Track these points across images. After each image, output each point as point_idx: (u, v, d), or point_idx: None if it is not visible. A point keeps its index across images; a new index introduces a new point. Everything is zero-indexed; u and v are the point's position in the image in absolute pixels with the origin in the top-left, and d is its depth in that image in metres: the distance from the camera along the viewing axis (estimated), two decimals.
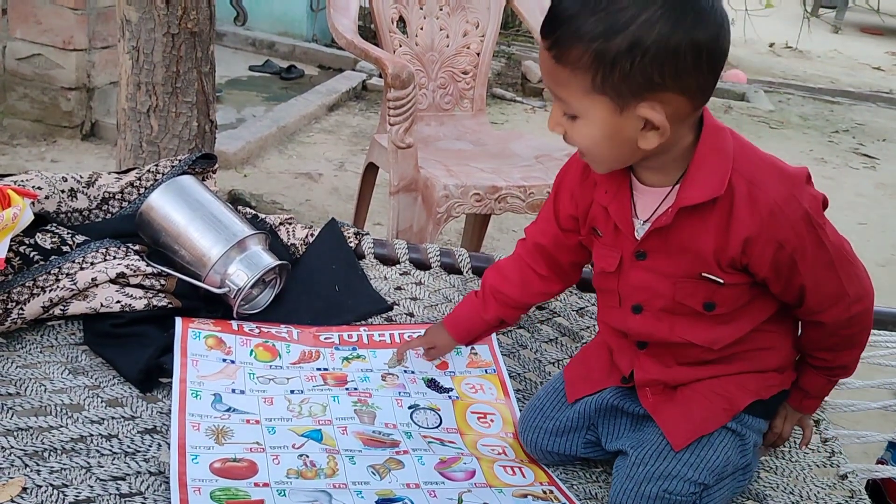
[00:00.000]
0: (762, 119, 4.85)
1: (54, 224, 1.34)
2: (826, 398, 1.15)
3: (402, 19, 2.29)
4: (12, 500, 0.92)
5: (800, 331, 1.06)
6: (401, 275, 1.52)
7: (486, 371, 1.30)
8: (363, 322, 1.38)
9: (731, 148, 0.92)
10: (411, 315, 1.43)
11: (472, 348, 1.32)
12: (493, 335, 1.35)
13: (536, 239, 1.15)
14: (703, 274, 0.96)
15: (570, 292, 1.46)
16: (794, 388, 1.08)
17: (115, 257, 1.30)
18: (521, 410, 1.22)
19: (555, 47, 0.87)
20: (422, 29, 2.30)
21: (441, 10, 2.31)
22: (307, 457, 1.06)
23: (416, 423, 1.17)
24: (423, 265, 1.54)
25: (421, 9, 2.30)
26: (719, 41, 0.85)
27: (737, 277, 0.96)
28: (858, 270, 0.97)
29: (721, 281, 0.95)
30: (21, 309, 1.20)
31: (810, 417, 1.13)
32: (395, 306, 1.44)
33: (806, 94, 5.42)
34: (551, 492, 1.08)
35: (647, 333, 1.03)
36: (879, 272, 2.98)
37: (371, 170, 2.34)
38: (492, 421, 1.21)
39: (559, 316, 1.44)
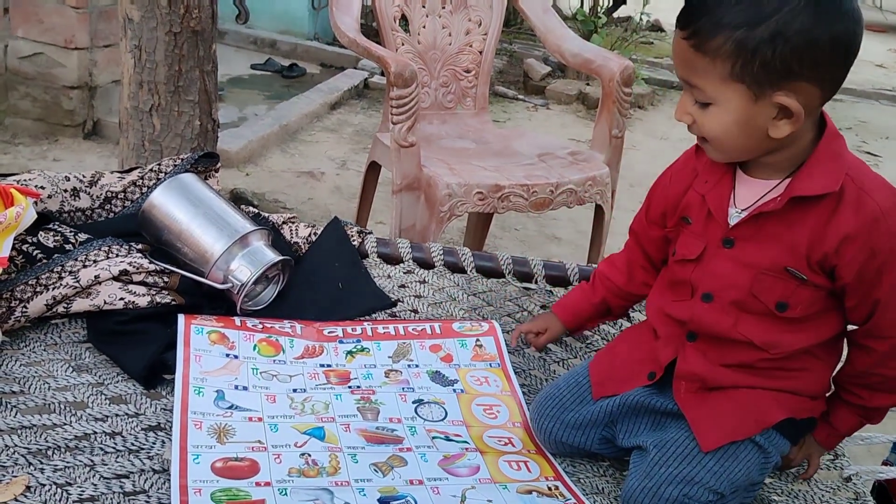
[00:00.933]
0: None
1: (57, 223, 1.34)
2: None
3: (404, 17, 2.29)
4: (16, 499, 0.92)
5: (841, 363, 1.07)
6: (404, 273, 1.52)
7: (490, 365, 1.30)
8: (367, 317, 1.38)
9: (848, 154, 0.97)
10: (415, 312, 1.42)
11: (478, 340, 1.32)
12: (498, 327, 1.35)
13: (635, 237, 1.20)
14: (788, 268, 0.97)
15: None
16: (822, 421, 1.08)
17: (117, 255, 1.29)
18: (527, 403, 1.22)
19: (695, 36, 0.91)
20: (424, 27, 2.30)
21: (443, 8, 2.31)
22: (309, 455, 1.06)
23: (420, 417, 1.17)
24: (426, 264, 1.54)
25: (423, 7, 2.30)
26: (855, 37, 0.90)
27: (819, 279, 0.97)
28: None
29: (804, 277, 0.96)
30: (24, 307, 1.20)
31: (822, 453, 1.13)
32: (399, 303, 1.44)
33: None
34: (556, 487, 1.08)
35: (709, 324, 1.03)
36: None
37: (373, 168, 2.34)
38: (498, 412, 1.21)
39: None
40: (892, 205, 0.93)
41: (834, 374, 1.07)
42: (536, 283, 1.53)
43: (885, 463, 1.43)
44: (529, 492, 1.06)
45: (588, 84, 4.65)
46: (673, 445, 1.02)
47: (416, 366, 1.28)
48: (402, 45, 2.27)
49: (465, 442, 1.14)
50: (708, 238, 1.03)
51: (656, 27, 5.97)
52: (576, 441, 1.12)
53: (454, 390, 1.24)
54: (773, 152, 0.96)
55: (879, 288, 0.96)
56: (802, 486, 1.14)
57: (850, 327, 1.04)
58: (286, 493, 0.98)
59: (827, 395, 1.09)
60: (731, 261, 1.01)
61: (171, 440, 1.05)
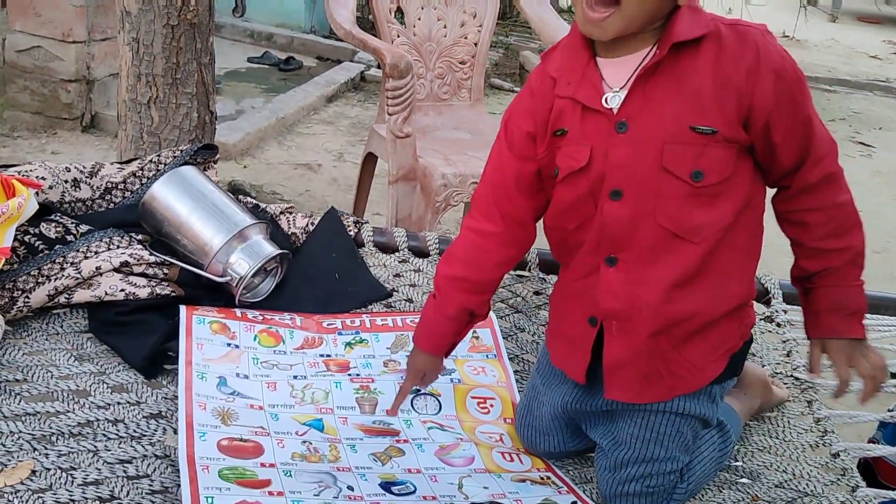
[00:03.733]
0: None
1: (58, 214, 1.36)
2: (824, 377, 1.10)
3: (399, 10, 2.30)
4: (22, 482, 0.94)
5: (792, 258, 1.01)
6: (399, 262, 1.54)
7: (487, 356, 1.32)
8: (364, 309, 1.40)
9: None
10: (410, 301, 1.45)
11: (474, 332, 1.34)
12: (494, 318, 1.37)
13: (490, 182, 1.07)
14: (694, 126, 0.91)
15: None
16: (823, 314, 1.00)
17: (118, 246, 1.31)
18: (519, 393, 1.24)
19: None
20: (419, 19, 2.31)
21: (439, 0, 2.32)
22: (310, 443, 1.08)
23: (416, 410, 1.19)
24: (421, 253, 1.56)
25: None
26: None
27: (733, 129, 0.92)
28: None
29: (715, 129, 0.91)
30: (27, 297, 1.22)
31: (866, 346, 1.01)
32: (395, 293, 1.46)
33: None
34: (548, 477, 1.10)
35: (624, 222, 0.95)
36: (875, 258, 3.00)
37: (370, 159, 2.35)
38: (491, 406, 1.23)
39: None
40: (763, 29, 0.94)
41: (794, 271, 1.02)
42: (530, 270, 1.56)
43: (871, 441, 1.46)
44: (523, 480, 1.09)
45: None
46: (624, 446, 1.03)
47: None
48: (398, 36, 2.28)
49: (459, 434, 1.16)
50: (591, 137, 0.96)
51: None
52: (550, 447, 1.13)
53: (451, 380, 1.26)
54: (645, 28, 0.93)
55: (801, 104, 0.93)
56: (791, 461, 1.17)
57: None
58: (291, 475, 1.00)
59: (805, 292, 1.01)
60: (630, 144, 0.94)
61: (172, 428, 1.07)
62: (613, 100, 0.95)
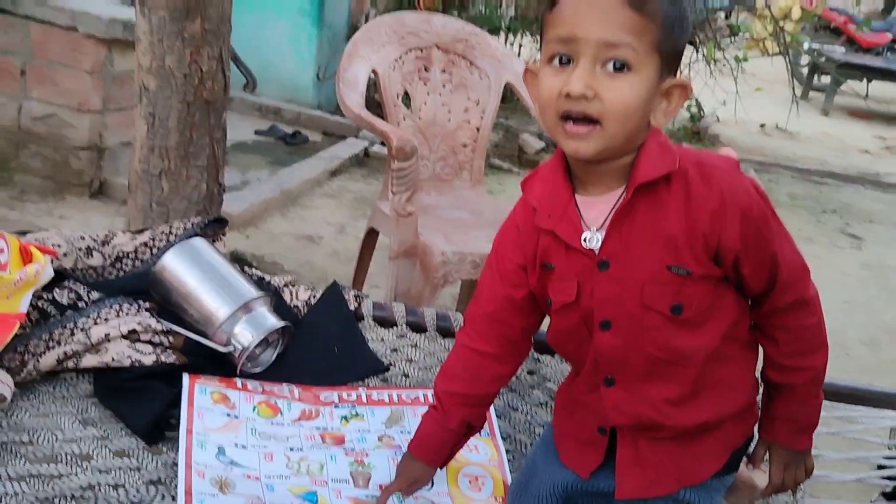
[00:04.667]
0: None
1: (71, 280, 1.40)
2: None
3: (406, 94, 2.41)
4: None
5: (761, 359, 1.06)
6: (397, 337, 1.58)
7: (479, 434, 1.34)
8: (361, 383, 1.43)
9: (671, 142, 0.98)
10: (406, 376, 1.48)
11: None
12: None
13: (484, 309, 1.11)
14: (671, 266, 0.95)
15: (561, 360, 1.52)
16: (777, 422, 1.06)
17: (127, 314, 1.36)
18: (511, 474, 1.26)
19: None
20: (425, 104, 2.42)
21: (444, 87, 2.44)
22: None
23: None
24: (419, 328, 1.60)
25: (425, 85, 2.42)
26: None
27: (704, 267, 0.95)
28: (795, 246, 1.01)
29: (689, 271, 0.94)
30: (37, 361, 1.26)
31: (807, 456, 1.08)
32: (392, 367, 1.50)
33: (795, 174, 5.58)
34: None
35: (617, 351, 0.99)
36: (863, 350, 3.05)
37: (371, 234, 2.42)
38: (482, 484, 1.25)
39: (549, 381, 1.50)
40: (729, 166, 0.96)
41: (762, 372, 1.06)
42: None
43: None
44: None
45: None
46: None
47: (409, 433, 1.31)
48: (404, 119, 2.38)
49: None
50: (577, 273, 0.99)
51: None
52: None
53: None
54: (623, 155, 0.95)
55: (768, 241, 0.96)
56: None
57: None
58: None
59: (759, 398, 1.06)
60: (613, 281, 0.97)
61: (171, 495, 1.09)
62: (592, 240, 0.98)
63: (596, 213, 0.98)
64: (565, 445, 1.13)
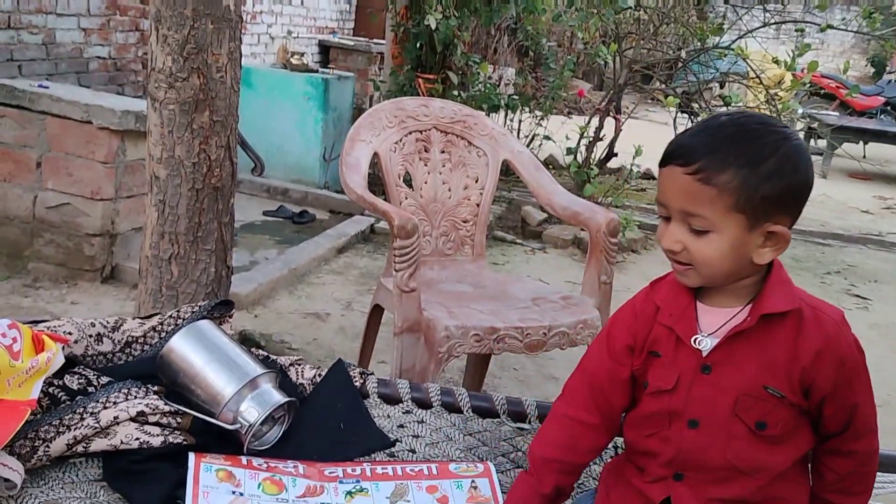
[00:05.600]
0: None
1: (81, 366, 1.44)
2: None
3: (408, 173, 2.49)
4: None
5: (812, 479, 1.14)
6: (403, 413, 1.60)
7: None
8: (366, 458, 1.45)
9: (791, 280, 1.10)
10: (413, 451, 1.49)
11: (473, 482, 1.38)
12: (494, 471, 1.42)
13: (589, 381, 1.20)
14: (767, 387, 1.05)
15: None
16: None
17: (135, 397, 1.39)
18: None
19: (703, 171, 1.03)
20: (426, 182, 2.49)
21: (443, 166, 2.52)
22: None
23: None
24: (424, 404, 1.62)
25: (425, 165, 2.50)
26: (813, 175, 1.08)
27: (796, 397, 1.06)
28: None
29: (783, 395, 1.05)
30: (47, 446, 1.28)
31: None
32: (398, 443, 1.51)
33: (797, 236, 5.61)
34: None
35: (698, 451, 1.09)
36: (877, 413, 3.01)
37: (377, 310, 2.46)
38: None
39: None
40: (840, 318, 1.07)
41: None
42: (530, 422, 1.61)
43: None
44: None
45: (583, 230, 4.86)
46: None
47: None
48: (406, 198, 2.45)
49: None
50: (680, 367, 1.11)
51: (648, 175, 6.28)
52: None
53: None
54: (744, 278, 1.08)
55: (854, 393, 1.06)
56: None
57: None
58: None
59: None
60: (712, 386, 1.08)
61: None
62: (703, 343, 1.10)
63: (711, 320, 1.10)
64: None
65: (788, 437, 1.08)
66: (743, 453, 1.07)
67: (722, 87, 7.61)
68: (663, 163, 1.08)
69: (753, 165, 1.02)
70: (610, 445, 1.39)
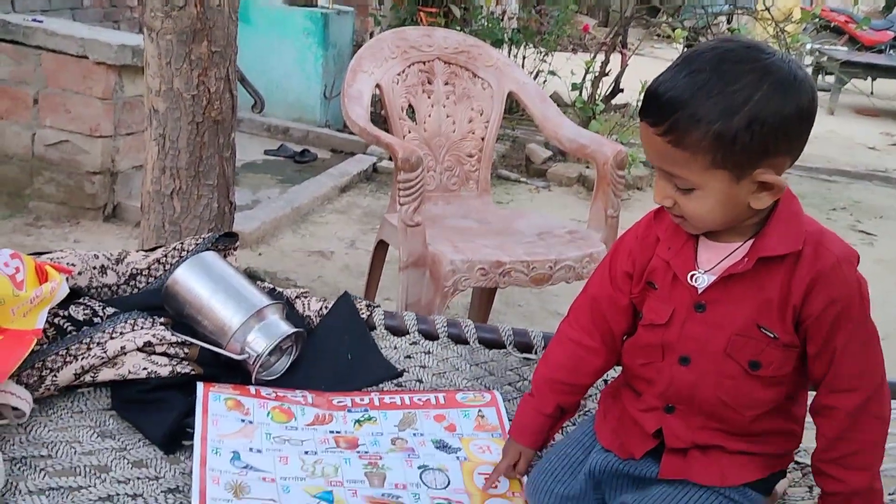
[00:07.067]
0: None
1: (87, 297, 1.43)
2: None
3: (411, 107, 2.44)
4: None
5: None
6: (410, 344, 1.60)
7: (492, 435, 1.36)
8: (373, 388, 1.45)
9: (804, 214, 1.04)
10: (420, 381, 1.50)
11: (480, 411, 1.39)
12: (500, 399, 1.42)
13: (590, 305, 1.18)
14: (760, 326, 1.02)
15: None
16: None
17: (142, 327, 1.38)
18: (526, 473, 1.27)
19: (671, 132, 0.95)
20: (430, 116, 2.45)
21: (447, 98, 2.47)
22: None
23: (425, 484, 1.23)
24: (431, 335, 1.62)
25: (429, 98, 2.45)
26: (813, 102, 0.97)
27: (789, 337, 1.02)
28: (881, 368, 1.04)
29: (775, 335, 1.02)
30: (54, 376, 1.28)
31: None
32: (405, 373, 1.51)
33: (803, 173, 5.56)
34: None
35: (688, 387, 1.07)
36: (882, 346, 3.02)
37: (381, 247, 2.44)
38: (498, 482, 1.26)
39: None
40: (845, 256, 1.00)
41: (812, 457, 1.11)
42: (536, 353, 1.61)
43: None
44: None
45: (587, 167, 4.81)
46: (651, 500, 1.08)
47: (421, 434, 1.34)
48: (409, 132, 2.41)
49: None
50: (675, 302, 1.07)
51: None
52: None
53: (458, 458, 1.29)
54: (748, 218, 1.02)
55: (837, 337, 1.00)
56: None
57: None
58: None
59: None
60: (704, 324, 1.05)
61: (188, 502, 1.11)
62: (699, 280, 1.06)
63: (710, 256, 1.06)
64: (607, 435, 1.17)
65: (781, 378, 1.05)
66: (735, 391, 1.05)
67: (730, 21, 7.44)
68: (640, 114, 1.01)
69: (727, 117, 0.92)
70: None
